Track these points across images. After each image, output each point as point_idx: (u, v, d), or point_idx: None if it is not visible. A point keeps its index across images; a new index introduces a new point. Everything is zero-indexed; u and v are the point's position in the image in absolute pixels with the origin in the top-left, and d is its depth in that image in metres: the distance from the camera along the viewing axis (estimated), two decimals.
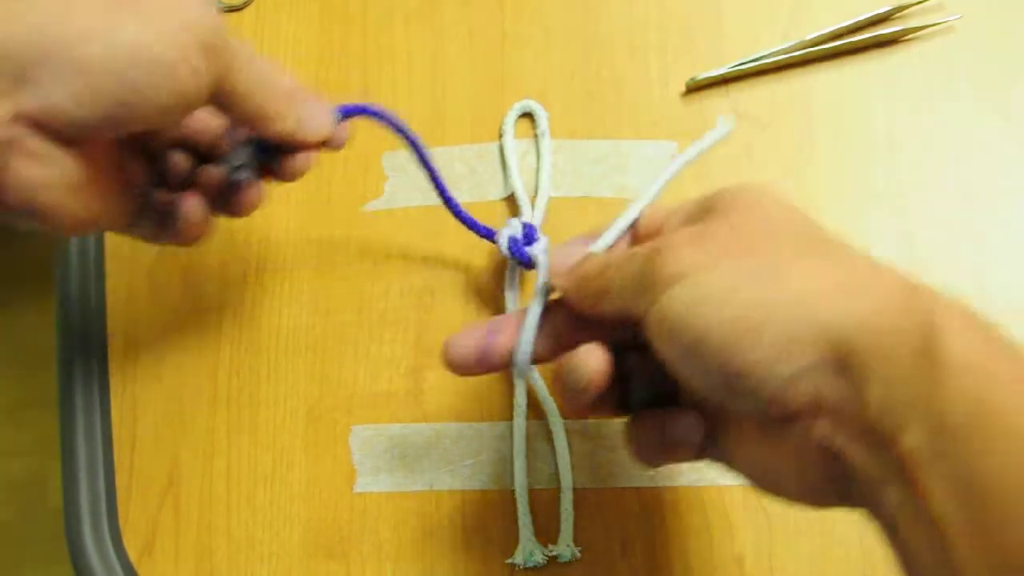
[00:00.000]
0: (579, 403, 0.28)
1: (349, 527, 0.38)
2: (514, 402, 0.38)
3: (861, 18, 0.40)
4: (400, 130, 0.35)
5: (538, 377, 0.38)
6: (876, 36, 0.40)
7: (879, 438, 0.21)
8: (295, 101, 0.31)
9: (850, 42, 0.40)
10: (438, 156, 0.42)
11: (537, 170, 0.41)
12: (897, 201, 0.39)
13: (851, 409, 0.22)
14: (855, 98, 0.40)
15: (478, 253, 0.40)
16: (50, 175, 0.25)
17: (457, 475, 0.38)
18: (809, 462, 0.23)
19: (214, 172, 0.33)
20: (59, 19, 0.24)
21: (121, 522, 0.39)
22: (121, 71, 0.24)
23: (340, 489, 0.39)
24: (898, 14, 0.41)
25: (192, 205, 0.32)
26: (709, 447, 0.28)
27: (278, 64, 0.33)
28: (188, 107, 0.27)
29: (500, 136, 0.41)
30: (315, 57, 0.43)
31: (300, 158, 0.33)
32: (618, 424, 0.38)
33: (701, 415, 0.28)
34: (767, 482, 0.26)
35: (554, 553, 0.36)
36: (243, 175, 0.32)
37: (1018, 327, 0.37)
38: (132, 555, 0.39)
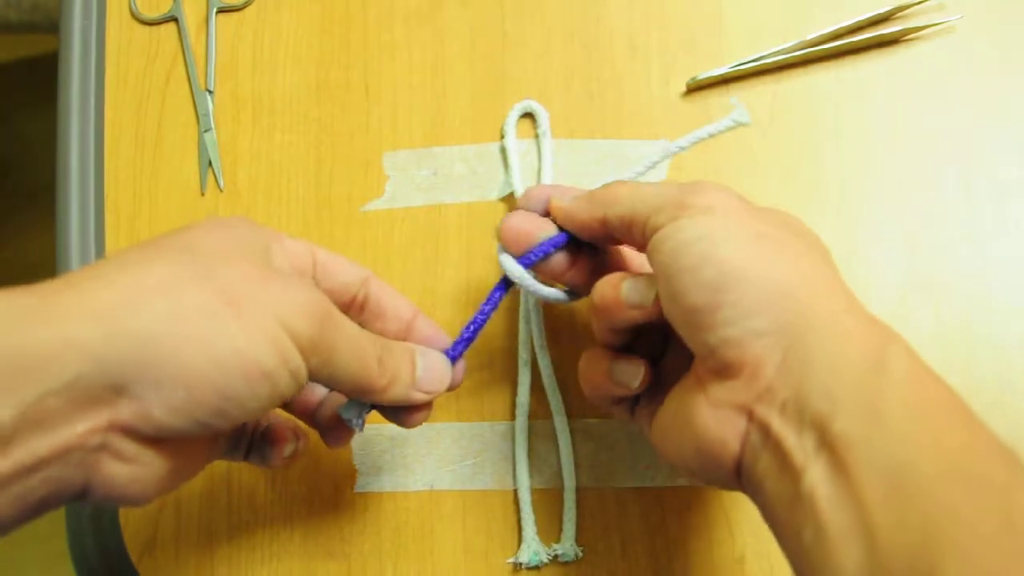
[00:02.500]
0: (622, 319, 0.30)
1: (349, 527, 0.38)
2: (516, 401, 0.38)
3: (861, 18, 0.40)
4: (478, 324, 0.33)
5: (549, 373, 0.37)
6: (876, 36, 0.40)
7: (812, 418, 0.23)
8: (406, 364, 0.30)
9: (850, 42, 0.40)
10: (438, 156, 0.42)
11: (538, 170, 0.41)
12: (897, 201, 0.39)
13: (790, 384, 0.24)
14: (855, 98, 0.40)
15: (478, 253, 0.40)
16: (138, 473, 0.24)
17: (457, 475, 0.38)
18: (722, 427, 0.25)
19: (323, 411, 0.33)
20: (165, 325, 0.23)
21: (121, 522, 0.39)
22: (221, 382, 0.23)
23: (340, 489, 0.39)
24: (898, 14, 0.41)
25: (288, 450, 0.32)
26: (644, 405, 0.31)
27: (400, 314, 0.32)
28: (284, 401, 0.26)
29: (501, 136, 0.41)
30: (315, 57, 0.43)
31: (420, 412, 0.32)
32: (619, 424, 0.38)
33: (650, 367, 0.31)
34: (671, 444, 0.28)
35: (557, 552, 0.36)
36: (356, 423, 0.31)
37: (1018, 327, 0.37)
38: (132, 555, 0.39)
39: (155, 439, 0.24)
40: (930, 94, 0.40)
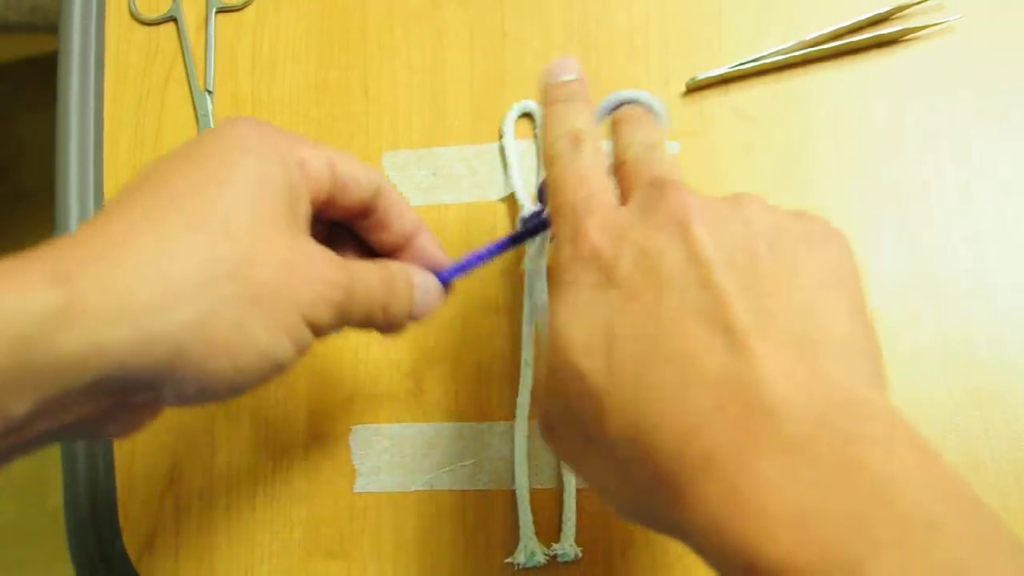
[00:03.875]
0: None
1: (349, 527, 0.38)
2: (516, 401, 0.38)
3: (861, 18, 0.40)
4: (481, 258, 0.33)
5: None
6: (876, 36, 0.40)
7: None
8: (406, 301, 0.30)
9: (850, 42, 0.40)
10: (438, 156, 0.42)
11: (537, 170, 0.41)
12: (897, 201, 0.39)
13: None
14: (855, 98, 0.40)
15: None
16: (133, 426, 0.25)
17: (457, 475, 0.38)
18: None
19: None
20: (195, 333, 0.22)
21: (121, 522, 0.39)
22: (239, 380, 0.24)
23: (340, 489, 0.39)
24: (898, 14, 0.41)
25: None
26: None
27: (403, 229, 0.31)
28: None
29: (500, 136, 0.41)
30: (315, 57, 0.43)
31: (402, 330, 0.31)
32: None
33: None
34: None
35: (556, 552, 0.36)
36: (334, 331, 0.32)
37: (1018, 326, 0.37)
38: (132, 555, 0.39)
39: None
40: (929, 94, 0.40)
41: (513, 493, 0.37)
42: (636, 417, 0.21)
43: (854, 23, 0.40)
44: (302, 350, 0.25)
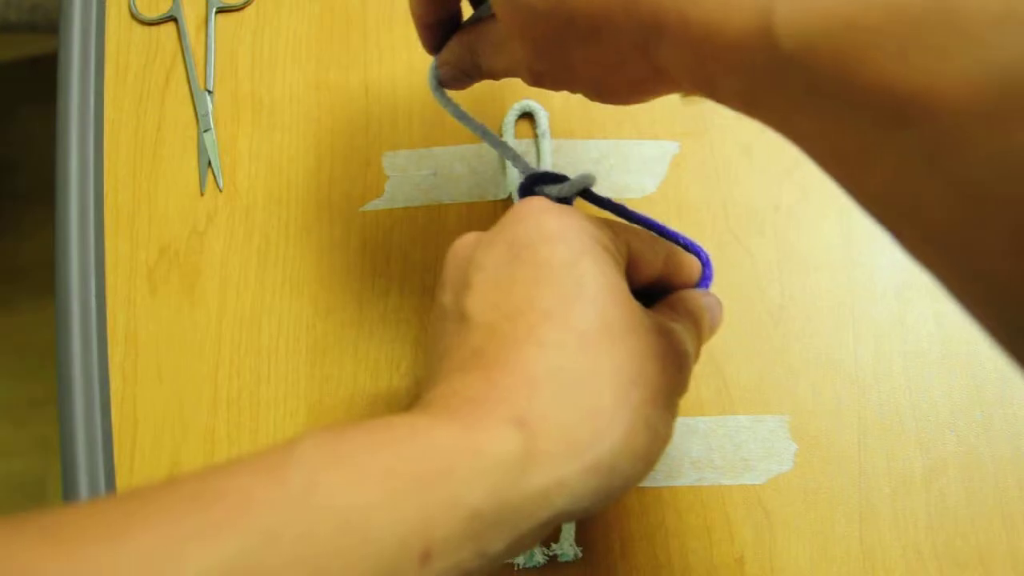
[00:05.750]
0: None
1: None
2: None
3: None
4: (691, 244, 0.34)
5: None
6: None
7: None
8: (709, 322, 0.31)
9: None
10: (438, 156, 0.42)
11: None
12: None
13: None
14: None
15: None
16: None
17: None
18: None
19: None
20: (624, 449, 0.24)
21: None
22: (647, 473, 0.25)
23: None
24: None
25: None
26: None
27: (687, 283, 0.32)
28: None
29: (500, 136, 0.41)
30: (315, 57, 0.43)
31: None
32: None
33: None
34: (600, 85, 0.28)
35: (555, 552, 0.36)
36: None
37: None
38: None
39: None
40: None
41: None
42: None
43: None
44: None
